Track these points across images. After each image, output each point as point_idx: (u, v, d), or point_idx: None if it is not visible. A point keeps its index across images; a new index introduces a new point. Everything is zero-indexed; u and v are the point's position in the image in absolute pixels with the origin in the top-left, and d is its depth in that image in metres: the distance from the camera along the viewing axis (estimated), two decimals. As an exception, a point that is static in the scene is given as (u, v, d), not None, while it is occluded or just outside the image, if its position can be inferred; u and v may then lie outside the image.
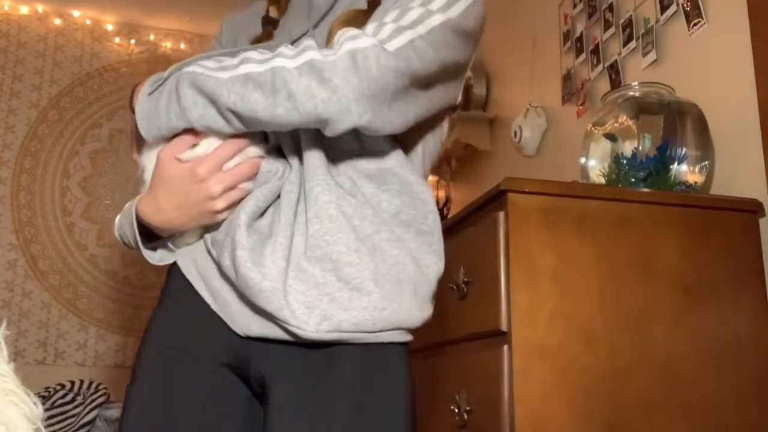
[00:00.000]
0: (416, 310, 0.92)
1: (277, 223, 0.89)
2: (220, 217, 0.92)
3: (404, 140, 0.96)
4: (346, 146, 0.91)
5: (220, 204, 0.90)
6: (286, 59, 0.83)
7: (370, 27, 0.86)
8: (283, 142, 0.93)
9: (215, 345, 0.94)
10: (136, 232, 0.95)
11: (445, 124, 1.05)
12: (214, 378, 0.93)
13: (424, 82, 0.88)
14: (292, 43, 0.93)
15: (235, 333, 0.91)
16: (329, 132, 0.84)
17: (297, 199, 0.90)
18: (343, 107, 0.80)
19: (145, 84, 0.93)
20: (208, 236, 0.95)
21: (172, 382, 0.93)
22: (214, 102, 0.85)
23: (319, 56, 0.81)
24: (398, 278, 0.90)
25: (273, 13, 1.10)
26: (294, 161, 0.92)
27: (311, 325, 0.85)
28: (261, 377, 0.91)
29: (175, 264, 1.00)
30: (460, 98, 1.02)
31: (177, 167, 0.91)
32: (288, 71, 0.81)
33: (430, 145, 1.02)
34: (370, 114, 0.82)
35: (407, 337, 0.92)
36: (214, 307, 0.94)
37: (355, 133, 0.86)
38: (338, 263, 0.87)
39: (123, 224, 0.99)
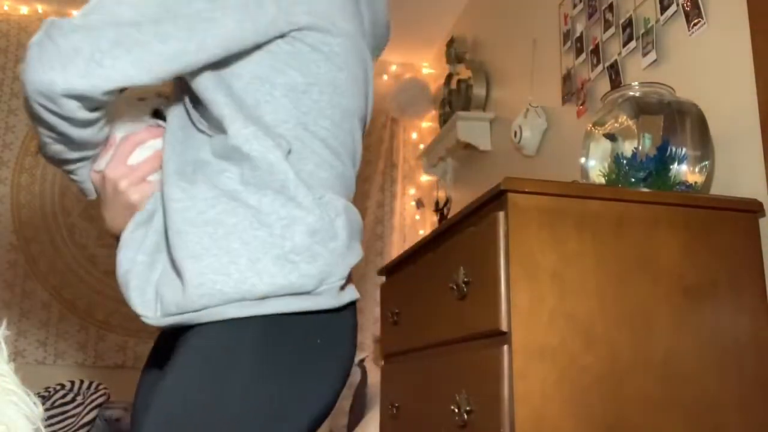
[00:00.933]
0: (255, 275, 0.87)
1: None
2: (141, 207, 0.98)
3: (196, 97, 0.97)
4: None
5: (135, 197, 0.99)
6: None
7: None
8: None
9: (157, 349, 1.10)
10: None
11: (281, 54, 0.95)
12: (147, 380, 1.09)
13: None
14: None
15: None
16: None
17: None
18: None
19: None
20: None
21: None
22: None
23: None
24: (229, 248, 0.88)
25: None
26: None
27: (150, 312, 0.91)
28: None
29: None
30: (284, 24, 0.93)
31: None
32: None
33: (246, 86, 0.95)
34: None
35: (261, 308, 0.88)
36: None
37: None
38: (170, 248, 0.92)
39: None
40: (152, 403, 0.86)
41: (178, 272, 0.88)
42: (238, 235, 0.88)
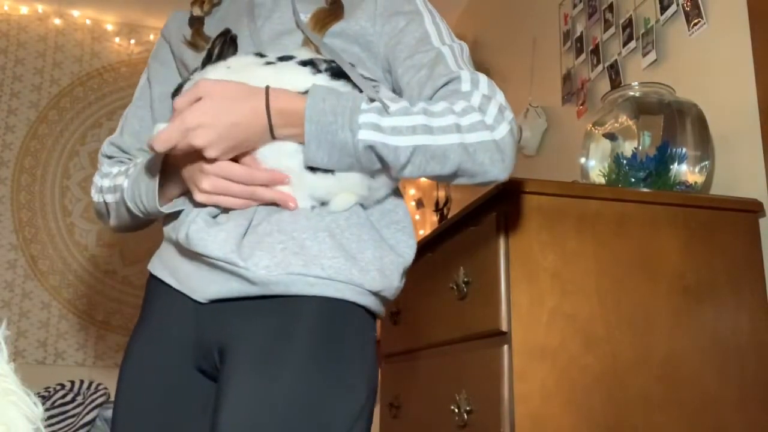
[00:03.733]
0: (376, 272, 0.92)
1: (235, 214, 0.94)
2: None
3: None
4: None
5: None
6: (461, 134, 0.88)
7: (476, 97, 0.91)
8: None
9: (178, 342, 0.95)
10: (157, 182, 0.96)
11: None
12: (174, 384, 0.95)
13: None
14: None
15: (196, 316, 0.93)
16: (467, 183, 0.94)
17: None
18: (508, 172, 0.93)
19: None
20: (168, 226, 1.00)
21: (142, 392, 0.96)
22: (389, 167, 0.89)
23: (490, 136, 0.89)
24: (358, 249, 0.93)
25: (196, 11, 1.13)
26: None
27: (260, 267, 0.87)
28: (219, 347, 0.91)
29: (151, 278, 1.03)
30: None
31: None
32: (463, 148, 0.88)
33: None
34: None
35: (368, 300, 0.92)
36: (176, 286, 0.96)
37: None
38: (296, 238, 0.90)
39: (137, 181, 1.01)
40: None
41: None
42: None
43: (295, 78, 0.91)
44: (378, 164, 0.88)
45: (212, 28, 1.08)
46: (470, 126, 0.88)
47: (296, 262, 0.88)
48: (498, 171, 0.91)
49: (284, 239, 0.90)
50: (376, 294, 0.93)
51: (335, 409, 0.85)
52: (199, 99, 0.87)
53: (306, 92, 0.87)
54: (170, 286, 0.97)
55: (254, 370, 0.85)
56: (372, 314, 0.95)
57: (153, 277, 1.03)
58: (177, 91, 0.98)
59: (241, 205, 0.93)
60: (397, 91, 1.00)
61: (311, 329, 0.87)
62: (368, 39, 1.01)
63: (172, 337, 0.95)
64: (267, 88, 0.88)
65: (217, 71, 0.94)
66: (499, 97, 0.93)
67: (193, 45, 1.09)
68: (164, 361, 0.95)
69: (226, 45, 0.98)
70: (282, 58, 0.94)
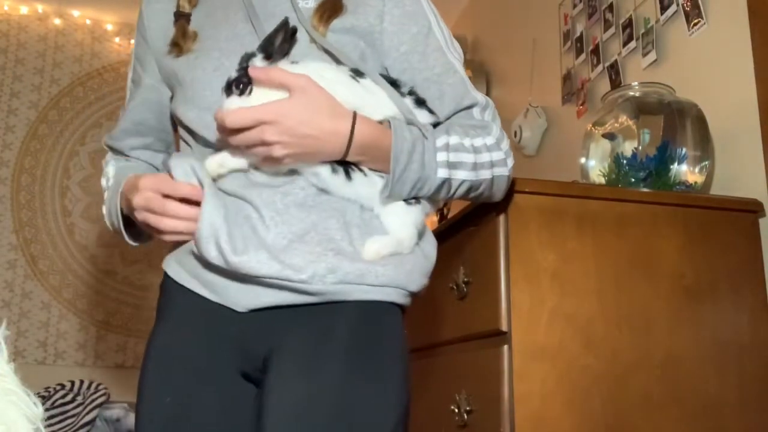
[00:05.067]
0: (417, 275, 0.98)
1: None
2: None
3: None
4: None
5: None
6: (491, 170, 1.02)
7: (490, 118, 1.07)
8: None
9: (219, 352, 0.93)
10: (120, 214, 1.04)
11: None
12: (222, 389, 0.93)
13: None
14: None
15: (238, 324, 0.92)
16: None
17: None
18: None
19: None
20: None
21: (181, 400, 0.92)
22: (442, 195, 1.00)
23: (507, 171, 1.04)
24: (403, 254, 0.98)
25: (185, 7, 1.07)
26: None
27: (317, 278, 0.88)
28: (264, 353, 0.91)
29: (166, 279, 1.01)
30: None
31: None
32: (490, 181, 1.02)
33: None
34: None
35: (406, 300, 0.97)
36: (213, 298, 0.94)
37: None
38: (333, 238, 0.93)
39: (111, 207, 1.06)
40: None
41: None
42: None
43: (383, 103, 0.96)
44: (437, 194, 0.98)
45: (199, 23, 1.04)
46: (496, 162, 1.01)
47: (352, 270, 0.90)
48: (502, 195, 1.08)
49: (326, 241, 0.92)
50: (415, 294, 0.98)
51: (381, 410, 0.87)
52: (290, 91, 0.88)
53: (383, 121, 0.94)
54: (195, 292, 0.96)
55: (298, 374, 0.87)
56: (403, 311, 0.99)
57: (171, 279, 1.00)
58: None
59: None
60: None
61: (353, 331, 0.90)
62: (374, 36, 1.01)
63: (210, 341, 0.94)
64: (354, 115, 0.90)
65: (311, 73, 0.91)
66: (499, 126, 1.06)
67: (176, 46, 1.04)
68: (203, 364, 0.93)
69: (287, 39, 0.92)
70: (357, 72, 0.96)
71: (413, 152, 0.92)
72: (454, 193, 0.99)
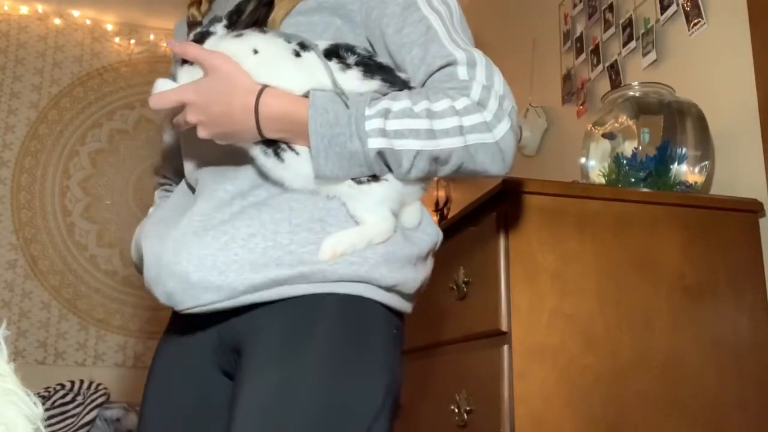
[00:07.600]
0: (386, 269, 0.89)
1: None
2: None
3: None
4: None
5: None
6: (463, 136, 0.86)
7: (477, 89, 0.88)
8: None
9: (201, 347, 0.96)
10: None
11: None
12: (200, 383, 0.96)
13: None
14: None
15: (214, 325, 0.93)
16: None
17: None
18: (508, 168, 0.92)
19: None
20: None
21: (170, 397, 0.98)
22: (392, 171, 0.87)
23: (492, 138, 0.88)
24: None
25: (194, 15, 1.09)
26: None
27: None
28: (237, 346, 0.91)
29: None
30: None
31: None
32: (465, 150, 0.87)
33: None
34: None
35: (383, 296, 0.90)
36: (169, 303, 0.95)
37: None
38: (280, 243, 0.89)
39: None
40: None
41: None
42: None
43: (323, 77, 0.87)
44: (387, 170, 0.87)
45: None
46: (472, 127, 0.86)
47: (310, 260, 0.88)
48: (498, 169, 0.90)
49: (268, 238, 0.89)
50: (390, 289, 0.91)
51: (353, 404, 0.85)
52: (203, 69, 0.86)
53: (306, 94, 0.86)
54: None
55: (270, 364, 0.86)
56: (392, 311, 0.94)
57: None
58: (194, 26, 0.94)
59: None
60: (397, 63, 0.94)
61: (328, 326, 0.87)
62: (348, 9, 0.95)
63: (196, 342, 0.97)
64: (261, 89, 0.86)
65: (243, 48, 0.88)
66: (498, 85, 0.90)
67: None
68: (190, 367, 0.97)
69: (258, 8, 0.90)
70: (303, 46, 0.89)
71: (336, 125, 0.83)
72: (412, 166, 0.85)
